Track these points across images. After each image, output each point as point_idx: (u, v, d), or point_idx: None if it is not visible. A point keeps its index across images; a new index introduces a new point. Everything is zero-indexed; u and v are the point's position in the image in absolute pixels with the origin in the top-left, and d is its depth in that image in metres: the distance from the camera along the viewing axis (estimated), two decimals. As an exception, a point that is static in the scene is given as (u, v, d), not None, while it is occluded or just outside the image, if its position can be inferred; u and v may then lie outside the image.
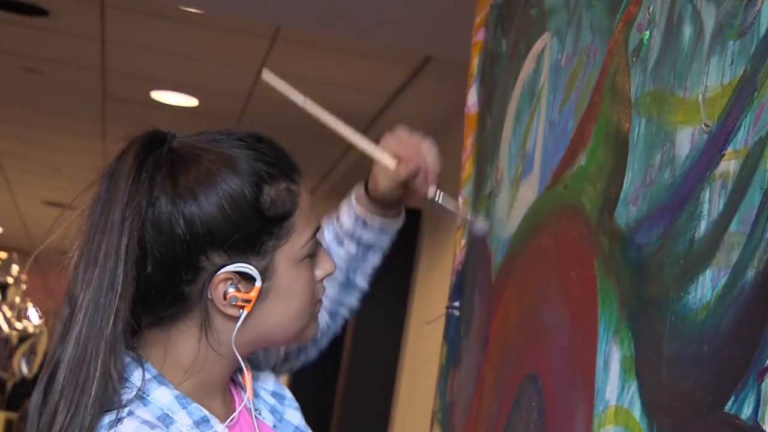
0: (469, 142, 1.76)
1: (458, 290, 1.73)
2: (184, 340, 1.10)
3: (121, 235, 1.03)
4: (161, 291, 1.08)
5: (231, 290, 1.08)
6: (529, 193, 1.41)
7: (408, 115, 4.12)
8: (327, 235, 1.40)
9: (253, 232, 1.07)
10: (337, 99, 4.22)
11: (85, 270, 1.04)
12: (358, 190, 1.39)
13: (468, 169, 1.74)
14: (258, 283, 1.09)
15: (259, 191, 1.08)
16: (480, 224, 1.46)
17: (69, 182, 6.66)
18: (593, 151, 1.19)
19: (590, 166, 1.19)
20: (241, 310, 1.09)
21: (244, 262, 1.08)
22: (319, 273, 1.16)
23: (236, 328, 1.10)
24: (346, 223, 1.39)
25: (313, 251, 1.14)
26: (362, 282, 1.44)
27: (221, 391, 1.15)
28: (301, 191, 1.12)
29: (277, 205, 1.09)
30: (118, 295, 1.03)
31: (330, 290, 1.39)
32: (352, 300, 1.46)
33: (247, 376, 1.18)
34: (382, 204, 1.37)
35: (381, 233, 1.40)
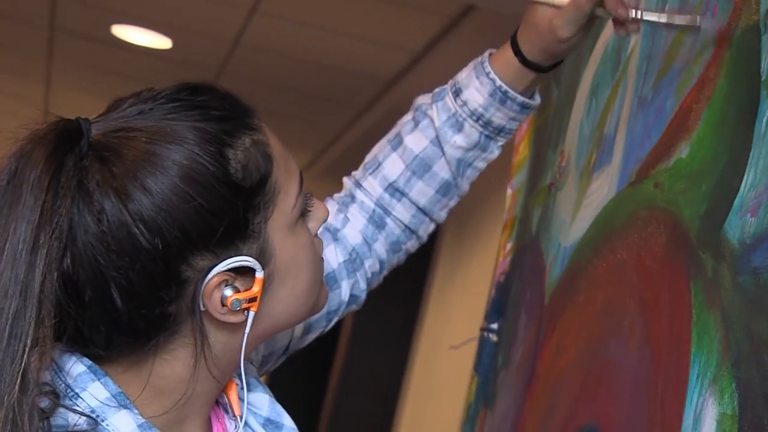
0: (526, 117, 1.74)
1: (497, 309, 1.71)
2: (170, 367, 1.07)
3: (31, 268, 0.98)
4: (135, 324, 1.04)
5: (229, 293, 1.06)
6: (604, 188, 1.39)
7: (436, 80, 4.08)
8: (437, 119, 1.39)
9: (237, 214, 1.05)
10: (348, 53, 4.18)
11: None
12: (501, 55, 1.37)
13: (521, 152, 1.73)
14: (259, 274, 1.07)
15: (223, 159, 1.04)
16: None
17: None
18: (700, 141, 1.16)
19: (694, 159, 1.17)
20: (246, 312, 1.07)
21: (235, 255, 1.05)
22: (313, 226, 1.15)
23: (245, 336, 1.08)
24: (475, 100, 1.38)
25: (305, 205, 1.13)
26: (466, 184, 1.44)
27: (201, 417, 1.12)
28: (268, 137, 1.10)
29: (250, 168, 1.06)
30: (26, 349, 0.97)
31: (421, 195, 1.40)
32: (444, 210, 1.44)
33: (236, 396, 1.16)
34: (535, 68, 1.36)
35: (518, 114, 1.39)
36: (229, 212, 1.04)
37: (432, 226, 1.45)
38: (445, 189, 1.42)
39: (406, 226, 1.42)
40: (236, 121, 1.07)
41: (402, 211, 1.41)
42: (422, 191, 1.40)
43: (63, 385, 1.03)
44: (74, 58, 4.99)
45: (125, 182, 1.01)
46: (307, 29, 4.03)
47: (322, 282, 1.17)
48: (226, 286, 1.05)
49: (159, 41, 4.54)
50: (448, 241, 4.26)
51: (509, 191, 1.77)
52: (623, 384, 1.23)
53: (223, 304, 1.05)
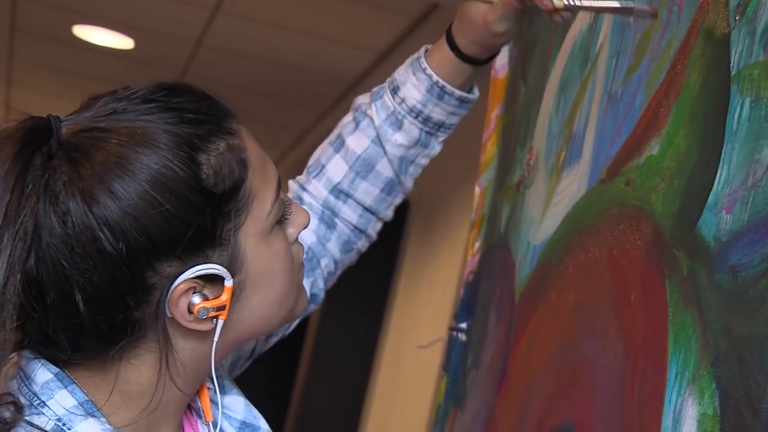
0: (494, 114, 1.72)
1: (466, 308, 1.69)
2: (137, 372, 1.05)
3: None
4: (99, 328, 1.01)
5: (197, 300, 1.03)
6: (573, 186, 1.37)
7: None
8: (376, 118, 1.39)
9: (206, 221, 1.02)
10: (313, 53, 4.16)
11: None
12: (437, 50, 1.38)
13: (489, 150, 1.71)
14: (228, 282, 1.04)
15: (195, 165, 1.01)
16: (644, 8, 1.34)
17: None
18: (671, 137, 1.14)
19: (666, 156, 1.14)
20: (214, 320, 1.05)
21: (204, 262, 1.03)
22: (292, 232, 1.13)
23: (214, 344, 1.06)
24: (413, 97, 1.38)
25: (282, 213, 1.10)
26: (410, 182, 1.44)
27: (173, 423, 1.10)
28: (244, 141, 1.07)
29: (222, 174, 1.03)
30: None
31: (366, 195, 1.40)
32: (390, 208, 1.44)
33: (209, 400, 1.15)
34: (471, 62, 1.37)
35: (456, 109, 1.40)
36: (197, 219, 1.01)
37: (380, 225, 1.45)
38: (389, 188, 1.41)
39: (354, 226, 1.42)
40: (211, 125, 1.04)
41: (349, 213, 1.41)
42: (367, 191, 1.40)
43: (29, 393, 1.01)
44: (35, 58, 4.94)
45: (92, 185, 0.98)
46: (271, 29, 4.00)
47: (300, 287, 1.15)
48: (194, 293, 1.03)
49: (121, 41, 4.50)
50: (415, 240, 4.24)
51: (477, 189, 1.75)
52: (599, 383, 1.21)
53: (190, 312, 1.03)
